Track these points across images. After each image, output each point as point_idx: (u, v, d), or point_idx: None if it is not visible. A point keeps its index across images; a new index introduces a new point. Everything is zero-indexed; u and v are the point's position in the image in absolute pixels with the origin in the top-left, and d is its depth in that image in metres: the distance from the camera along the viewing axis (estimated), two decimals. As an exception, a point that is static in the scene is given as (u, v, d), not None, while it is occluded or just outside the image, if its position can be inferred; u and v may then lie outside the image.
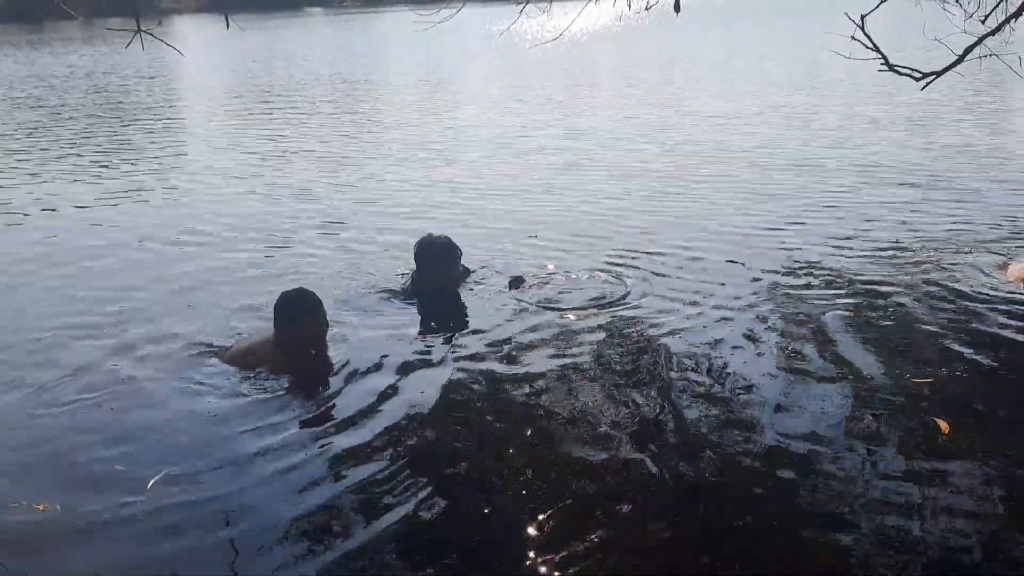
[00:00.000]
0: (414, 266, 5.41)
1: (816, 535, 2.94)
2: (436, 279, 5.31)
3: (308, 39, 38.71)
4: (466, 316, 5.07)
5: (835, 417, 3.69)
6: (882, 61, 5.27)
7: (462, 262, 5.47)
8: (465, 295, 5.34)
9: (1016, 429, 3.60)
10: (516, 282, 5.47)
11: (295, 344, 4.37)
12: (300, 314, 4.39)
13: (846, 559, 2.81)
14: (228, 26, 6.84)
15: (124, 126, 13.97)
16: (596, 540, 2.93)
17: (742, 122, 11.96)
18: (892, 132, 10.74)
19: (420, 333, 4.87)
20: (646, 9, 6.73)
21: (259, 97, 17.71)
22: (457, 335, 4.76)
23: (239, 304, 5.30)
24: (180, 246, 6.77)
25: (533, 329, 4.76)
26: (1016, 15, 5.15)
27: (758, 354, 4.35)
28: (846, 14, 5.36)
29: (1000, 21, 5.15)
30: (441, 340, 4.70)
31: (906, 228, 6.46)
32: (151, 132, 13.29)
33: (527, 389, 4.08)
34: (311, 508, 3.19)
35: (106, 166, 10.51)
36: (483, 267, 5.72)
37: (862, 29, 5.25)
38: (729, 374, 4.15)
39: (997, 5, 5.25)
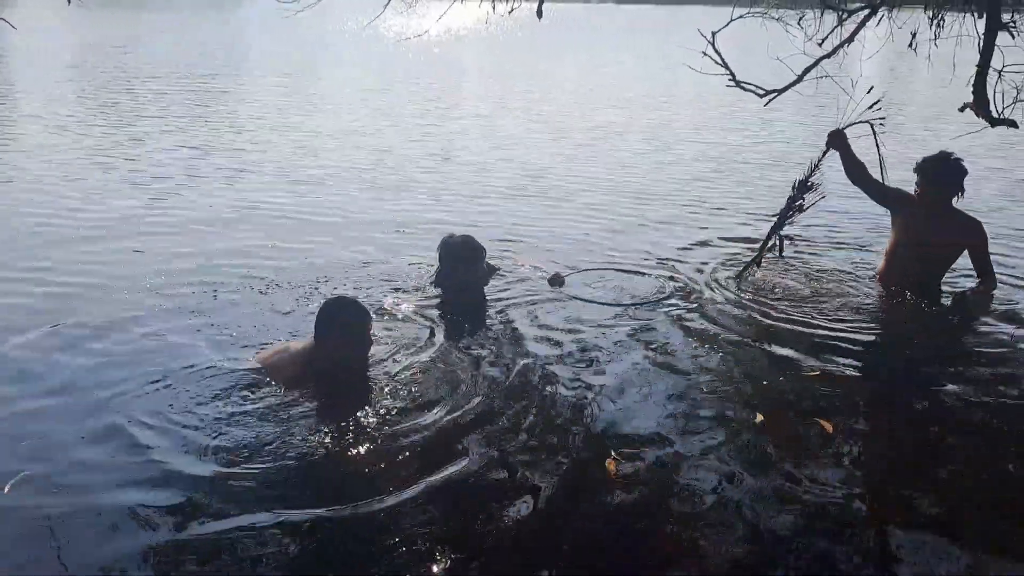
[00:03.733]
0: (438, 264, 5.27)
1: (696, 538, 2.97)
2: (458, 279, 5.19)
3: (159, 22, 36.83)
4: (487, 315, 4.96)
5: (721, 420, 3.77)
6: (729, 77, 5.55)
7: (487, 260, 5.34)
8: (489, 293, 5.23)
9: (897, 427, 3.83)
10: (556, 279, 5.42)
11: (328, 360, 3.90)
12: (333, 327, 3.91)
13: (723, 560, 2.86)
14: (69, 1, 6.38)
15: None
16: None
17: (587, 137, 12.28)
18: (746, 141, 11.36)
19: (439, 333, 4.63)
20: (509, 13, 6.81)
21: (96, 83, 16.63)
22: (473, 336, 4.61)
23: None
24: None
25: (561, 328, 4.73)
26: (849, 40, 5.55)
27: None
28: (698, 30, 5.61)
29: (835, 45, 5.53)
30: (455, 341, 4.52)
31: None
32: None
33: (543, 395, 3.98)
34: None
35: None
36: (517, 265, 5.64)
37: (712, 45, 5.52)
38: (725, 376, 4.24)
39: (832, 30, 5.63)
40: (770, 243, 5.45)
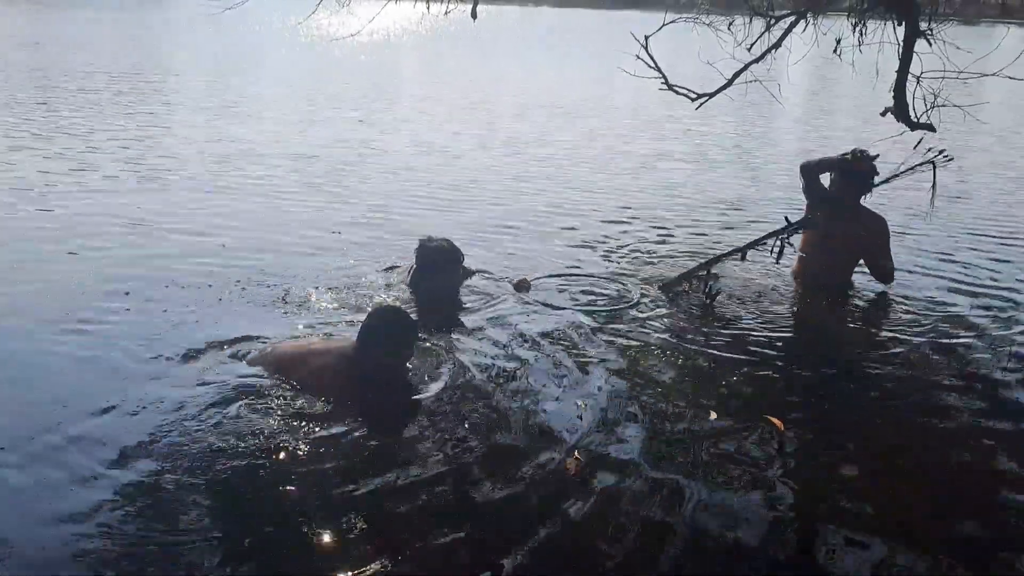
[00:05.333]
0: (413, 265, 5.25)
1: (651, 535, 3.00)
2: (434, 283, 5.17)
3: (76, 18, 35.69)
4: (459, 319, 4.93)
5: (677, 420, 3.85)
6: (662, 80, 5.64)
7: (465, 264, 5.31)
8: (464, 298, 5.22)
9: (842, 423, 3.93)
10: (521, 285, 5.39)
11: (374, 369, 3.87)
12: (382, 336, 3.86)
13: (679, 557, 2.90)
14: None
15: None
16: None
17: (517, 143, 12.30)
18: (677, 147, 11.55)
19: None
20: (446, 14, 6.79)
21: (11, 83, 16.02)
22: (445, 340, 4.56)
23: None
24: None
25: (527, 333, 4.72)
26: (776, 46, 5.70)
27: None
28: (631, 33, 5.69)
29: (764, 50, 5.67)
30: (432, 345, 4.48)
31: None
32: None
33: (515, 400, 3.98)
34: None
35: None
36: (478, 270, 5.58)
37: (646, 49, 5.60)
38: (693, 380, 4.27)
39: (761, 36, 5.76)
40: (772, 244, 5.46)
